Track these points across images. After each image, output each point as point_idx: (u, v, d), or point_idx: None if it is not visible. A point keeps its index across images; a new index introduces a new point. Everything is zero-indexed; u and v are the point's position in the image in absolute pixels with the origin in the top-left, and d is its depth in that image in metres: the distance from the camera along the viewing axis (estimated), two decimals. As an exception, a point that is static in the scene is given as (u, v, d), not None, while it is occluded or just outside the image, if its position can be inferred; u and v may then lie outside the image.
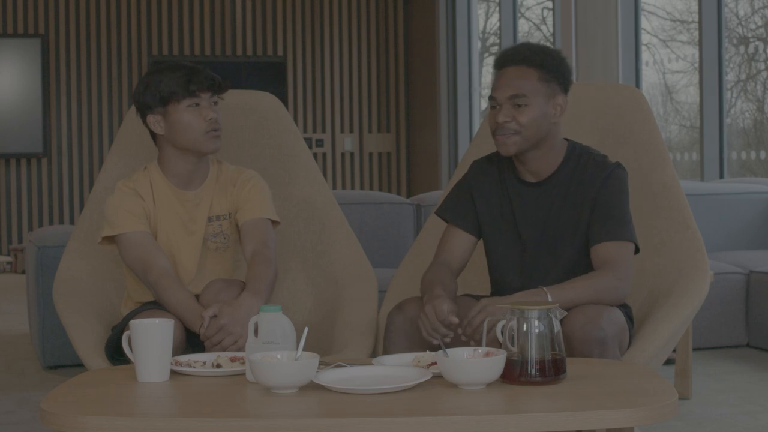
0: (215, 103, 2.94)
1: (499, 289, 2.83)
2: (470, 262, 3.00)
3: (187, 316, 2.75)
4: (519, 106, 2.70)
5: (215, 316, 2.69)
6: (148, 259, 2.86)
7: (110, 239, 2.94)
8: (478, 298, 2.81)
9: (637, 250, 2.76)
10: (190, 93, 2.88)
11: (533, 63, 2.72)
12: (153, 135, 2.98)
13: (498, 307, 2.48)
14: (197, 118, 2.90)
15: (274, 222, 3.03)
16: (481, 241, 2.91)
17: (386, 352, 2.64)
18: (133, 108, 3.39)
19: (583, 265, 2.75)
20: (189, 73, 2.90)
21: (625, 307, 2.76)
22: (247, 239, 2.96)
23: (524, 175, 2.82)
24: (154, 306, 2.87)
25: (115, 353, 2.80)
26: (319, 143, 10.48)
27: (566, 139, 2.84)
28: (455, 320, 2.52)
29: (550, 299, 2.54)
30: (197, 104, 2.90)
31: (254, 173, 3.05)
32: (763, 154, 6.77)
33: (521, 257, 2.79)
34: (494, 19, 9.97)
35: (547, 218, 2.77)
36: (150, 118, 2.94)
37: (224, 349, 2.65)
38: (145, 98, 2.93)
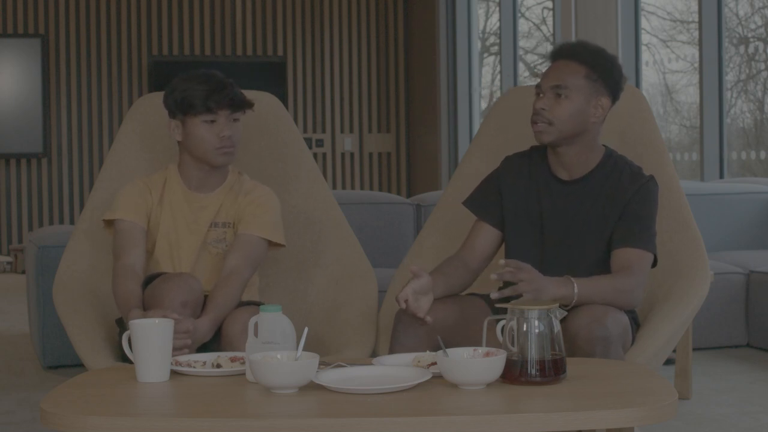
0: (235, 119, 2.94)
1: (511, 283, 2.83)
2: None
3: (129, 303, 2.74)
4: (559, 96, 2.74)
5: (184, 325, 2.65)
6: (123, 249, 2.89)
7: (109, 225, 2.97)
8: (483, 296, 2.81)
9: (654, 264, 2.78)
10: (207, 109, 2.90)
11: (584, 60, 2.76)
12: None
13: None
14: (211, 134, 2.92)
15: (277, 244, 3.01)
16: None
17: (392, 351, 2.63)
18: (134, 108, 3.40)
19: (600, 271, 2.75)
20: (212, 88, 2.90)
21: (631, 312, 2.77)
22: (232, 251, 2.93)
23: (557, 171, 2.84)
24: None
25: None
26: (319, 143, 10.48)
27: (605, 146, 2.86)
28: (403, 305, 2.58)
29: (576, 290, 2.57)
30: (213, 120, 2.91)
31: (268, 191, 3.04)
32: (763, 154, 6.76)
33: (541, 254, 2.79)
34: (494, 19, 9.96)
35: (574, 217, 2.79)
36: (171, 123, 2.97)
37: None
38: (168, 102, 2.97)
